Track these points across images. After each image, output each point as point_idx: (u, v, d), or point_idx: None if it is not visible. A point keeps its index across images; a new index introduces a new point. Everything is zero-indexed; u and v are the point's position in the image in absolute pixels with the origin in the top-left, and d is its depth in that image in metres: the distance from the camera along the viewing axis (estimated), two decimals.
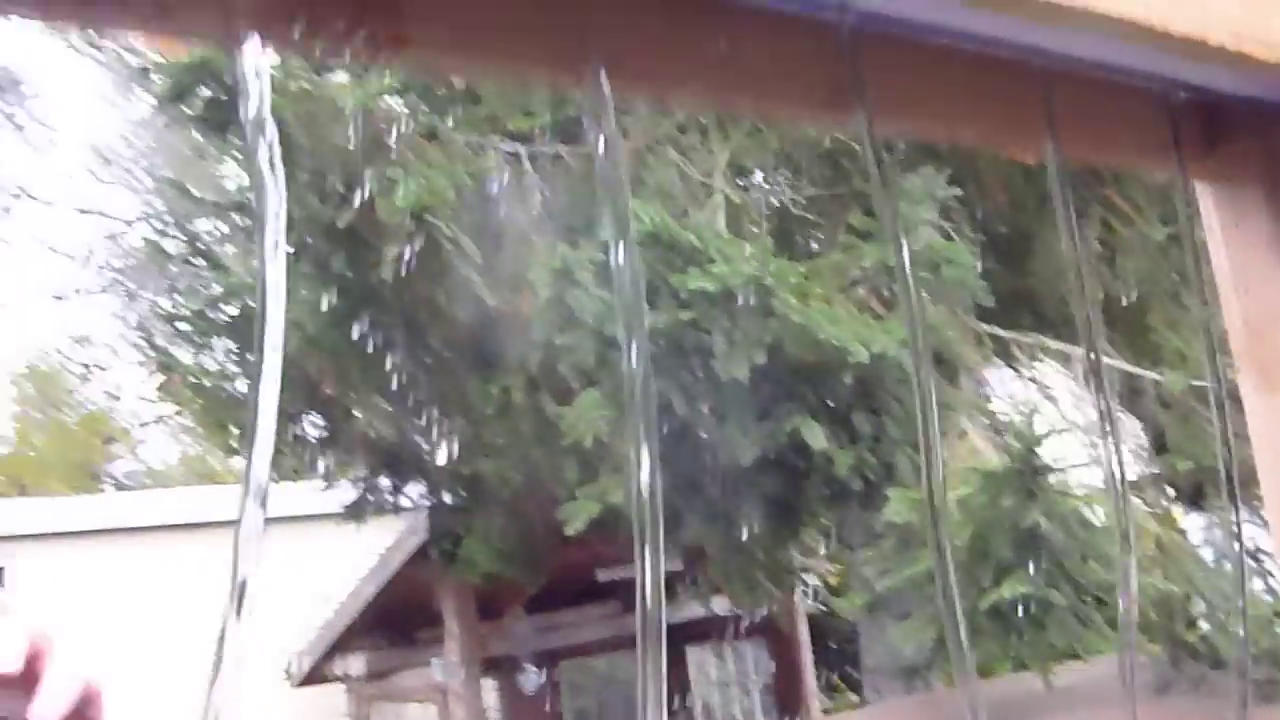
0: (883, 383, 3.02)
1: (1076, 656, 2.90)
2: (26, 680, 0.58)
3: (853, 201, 3.55)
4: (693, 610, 8.10)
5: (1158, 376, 3.10)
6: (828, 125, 2.60)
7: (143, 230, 8.91)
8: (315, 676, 7.97)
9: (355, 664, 7.57)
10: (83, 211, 13.68)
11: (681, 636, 8.44)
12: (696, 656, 8.74)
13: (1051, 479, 2.47)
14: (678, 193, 3.86)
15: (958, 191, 3.27)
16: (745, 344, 3.03)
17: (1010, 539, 2.49)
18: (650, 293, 3.27)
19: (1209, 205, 1.04)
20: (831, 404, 3.08)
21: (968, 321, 3.25)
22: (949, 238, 3.30)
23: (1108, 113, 0.84)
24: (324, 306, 4.22)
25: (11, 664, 0.56)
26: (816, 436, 2.95)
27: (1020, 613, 2.53)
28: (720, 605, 8.15)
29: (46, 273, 16.52)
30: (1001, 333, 3.35)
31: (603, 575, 7.38)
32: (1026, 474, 2.44)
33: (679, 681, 8.73)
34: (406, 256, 3.69)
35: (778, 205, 4.43)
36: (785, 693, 7.76)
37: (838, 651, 8.56)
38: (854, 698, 8.33)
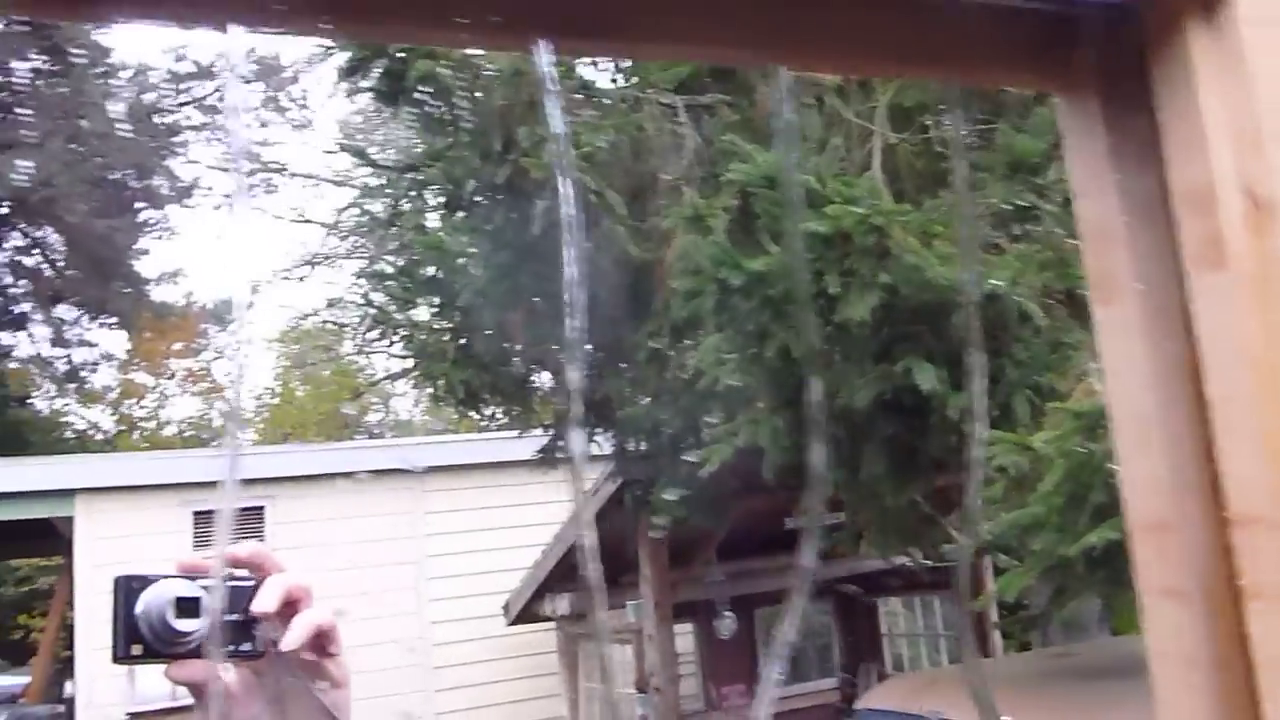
0: (1001, 322, 2.94)
1: None
2: (282, 617, 0.81)
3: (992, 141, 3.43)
4: (881, 561, 8.03)
5: None
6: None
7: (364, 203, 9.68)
8: (527, 616, 8.51)
9: (561, 605, 8.00)
10: (336, 184, 14.94)
11: (872, 587, 8.39)
12: (887, 608, 8.66)
13: None
14: (820, 135, 3.85)
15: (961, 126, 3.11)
16: (860, 285, 3.04)
17: (1105, 482, 2.40)
18: (765, 241, 3.32)
19: (1061, 118, 1.05)
20: (946, 346, 3.04)
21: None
22: None
23: (980, 34, 0.88)
24: (493, 260, 4.53)
25: (271, 605, 0.80)
26: (928, 377, 2.92)
27: (1119, 556, 2.44)
28: (909, 558, 8.03)
29: (304, 241, 18.11)
30: None
31: (790, 523, 7.43)
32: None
33: (871, 632, 8.69)
34: (553, 211, 3.90)
35: (934, 149, 4.32)
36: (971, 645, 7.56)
37: (1018, 603, 8.23)
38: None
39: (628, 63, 4.82)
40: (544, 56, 0.65)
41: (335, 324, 15.12)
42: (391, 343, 7.19)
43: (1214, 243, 0.87)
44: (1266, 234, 0.87)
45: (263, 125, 16.63)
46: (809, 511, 0.77)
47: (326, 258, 14.93)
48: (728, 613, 8.21)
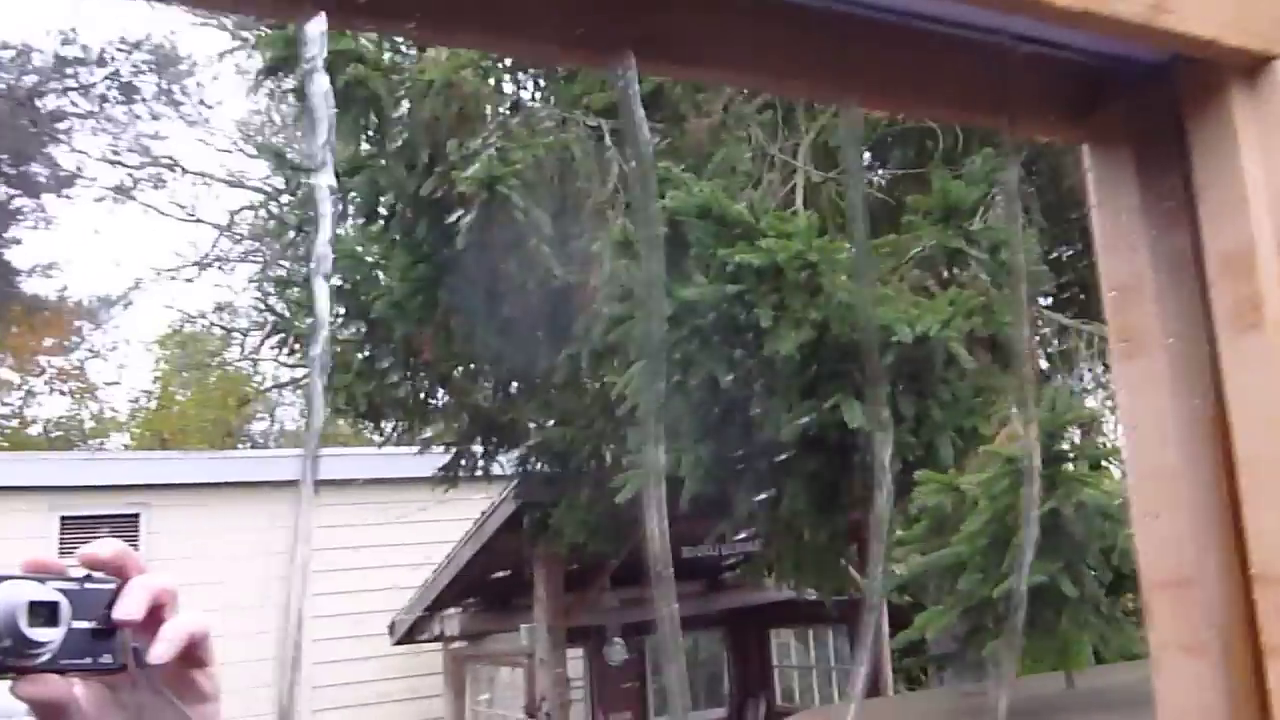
0: (928, 364, 3.00)
1: (1100, 660, 2.84)
2: (148, 626, 0.71)
3: (924, 183, 3.52)
4: (776, 593, 8.11)
5: None
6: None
7: (272, 205, 9.40)
8: (414, 636, 8.31)
9: (451, 625, 7.85)
10: (230, 184, 14.47)
11: (765, 619, 8.45)
12: (779, 639, 8.74)
13: (1076, 468, 2.43)
14: (747, 169, 3.89)
15: (1017, 174, 3.22)
16: (791, 320, 3.06)
17: (1031, 529, 2.46)
18: (700, 266, 3.33)
19: (1088, 167, 1.06)
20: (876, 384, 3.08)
21: (1028, 307, 3.19)
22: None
23: (1017, 81, 0.88)
24: (410, 273, 4.43)
25: (137, 612, 0.71)
26: (855, 415, 2.95)
27: (1037, 600, 2.50)
28: (804, 590, 8.13)
29: (193, 241, 17.52)
30: (1063, 319, 3.28)
31: (687, 553, 7.45)
32: (1048, 461, 2.41)
33: (761, 662, 8.75)
34: (480, 226, 3.84)
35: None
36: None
37: (919, 642, 8.41)
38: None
39: (557, 83, 4.81)
40: (630, 71, 0.61)
41: (224, 329, 14.62)
42: (291, 351, 6.98)
43: (1251, 305, 0.89)
44: None
45: (154, 118, 16.04)
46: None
47: (218, 260, 14.43)
48: (618, 640, 8.17)
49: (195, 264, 14.41)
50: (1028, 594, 2.47)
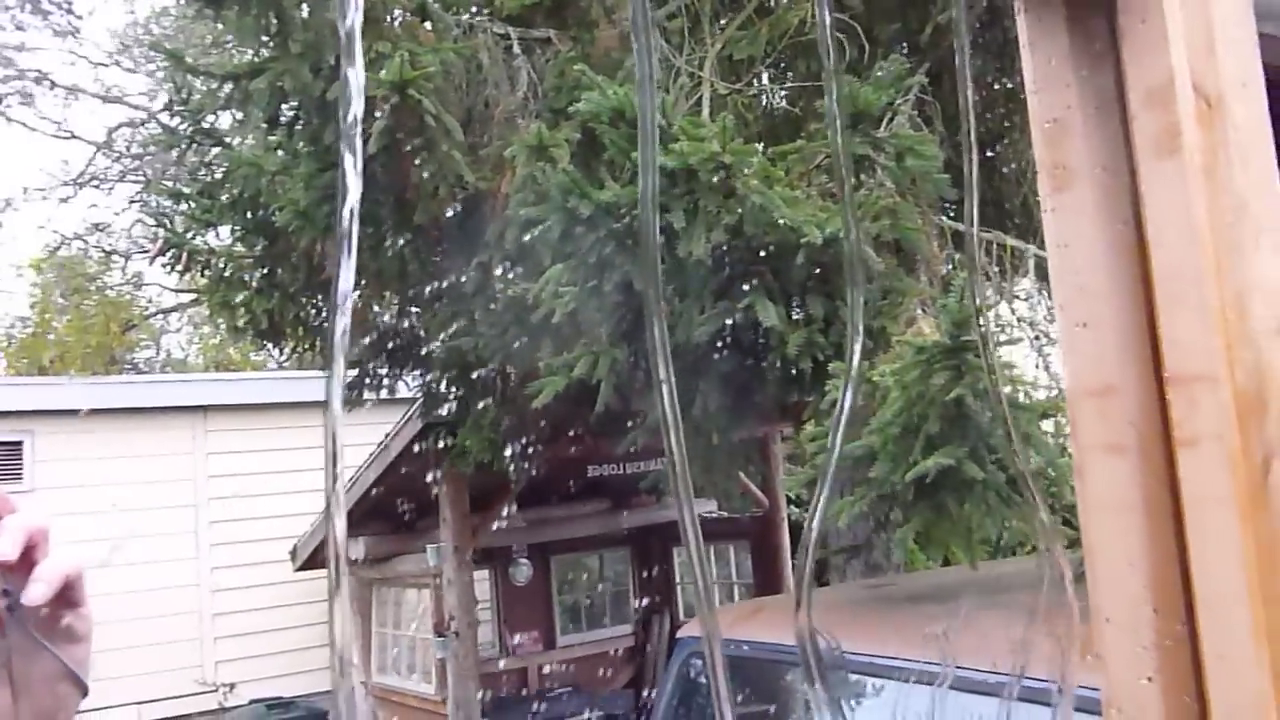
0: (837, 266, 3.09)
1: (1000, 549, 3.01)
2: (22, 567, 0.68)
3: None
4: (676, 512, 8.27)
5: None
6: None
7: (161, 117, 8.99)
8: (317, 560, 8.25)
9: (355, 549, 7.80)
10: (104, 99, 13.76)
11: (669, 537, 8.62)
12: (682, 557, 8.95)
13: (979, 358, 2.55)
14: (659, 79, 3.89)
15: (924, 79, 3.31)
16: (705, 223, 3.11)
17: (939, 414, 2.58)
18: (612, 169, 3.34)
19: (1022, 11, 1.11)
20: (785, 286, 3.16)
21: (928, 214, 3.30)
22: (918, 129, 3.34)
23: None
24: (316, 180, 4.32)
25: (11, 552, 0.68)
26: (769, 314, 3.03)
27: (944, 485, 2.63)
28: (707, 507, 8.33)
29: (66, 160, 16.65)
30: (960, 227, 3.40)
31: (593, 472, 7.54)
32: (956, 350, 2.52)
33: (665, 580, 8.95)
34: (389, 131, 3.77)
35: (763, 101, 4.46)
36: (763, 595, 7.96)
37: (819, 560, 8.74)
38: None
39: None
40: None
41: (103, 251, 13.99)
42: (184, 270, 6.76)
43: (1170, 134, 0.96)
44: (1215, 128, 0.96)
45: (19, 28, 15.09)
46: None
47: (94, 179, 13.74)
48: (524, 560, 8.26)
49: (70, 183, 13.72)
50: (934, 479, 2.60)
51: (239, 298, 5.91)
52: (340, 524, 0.49)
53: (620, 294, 3.31)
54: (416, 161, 4.09)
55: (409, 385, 6.47)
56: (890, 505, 2.67)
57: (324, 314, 6.15)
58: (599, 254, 3.31)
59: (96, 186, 13.97)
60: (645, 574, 9.08)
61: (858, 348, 0.83)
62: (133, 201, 13.47)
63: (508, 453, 6.60)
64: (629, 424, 4.58)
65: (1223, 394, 0.88)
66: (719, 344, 3.21)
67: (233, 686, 8.07)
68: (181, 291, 13.95)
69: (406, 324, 6.04)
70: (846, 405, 0.93)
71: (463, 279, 4.32)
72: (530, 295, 3.55)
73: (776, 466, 8.12)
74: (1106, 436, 0.95)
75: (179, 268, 6.53)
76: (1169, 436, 0.92)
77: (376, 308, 5.92)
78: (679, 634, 3.49)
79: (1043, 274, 3.13)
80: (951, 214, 3.50)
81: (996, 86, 3.57)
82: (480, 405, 6.23)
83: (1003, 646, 2.45)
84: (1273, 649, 0.84)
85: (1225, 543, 0.87)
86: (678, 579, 9.05)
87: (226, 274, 5.98)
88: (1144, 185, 0.96)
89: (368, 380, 6.39)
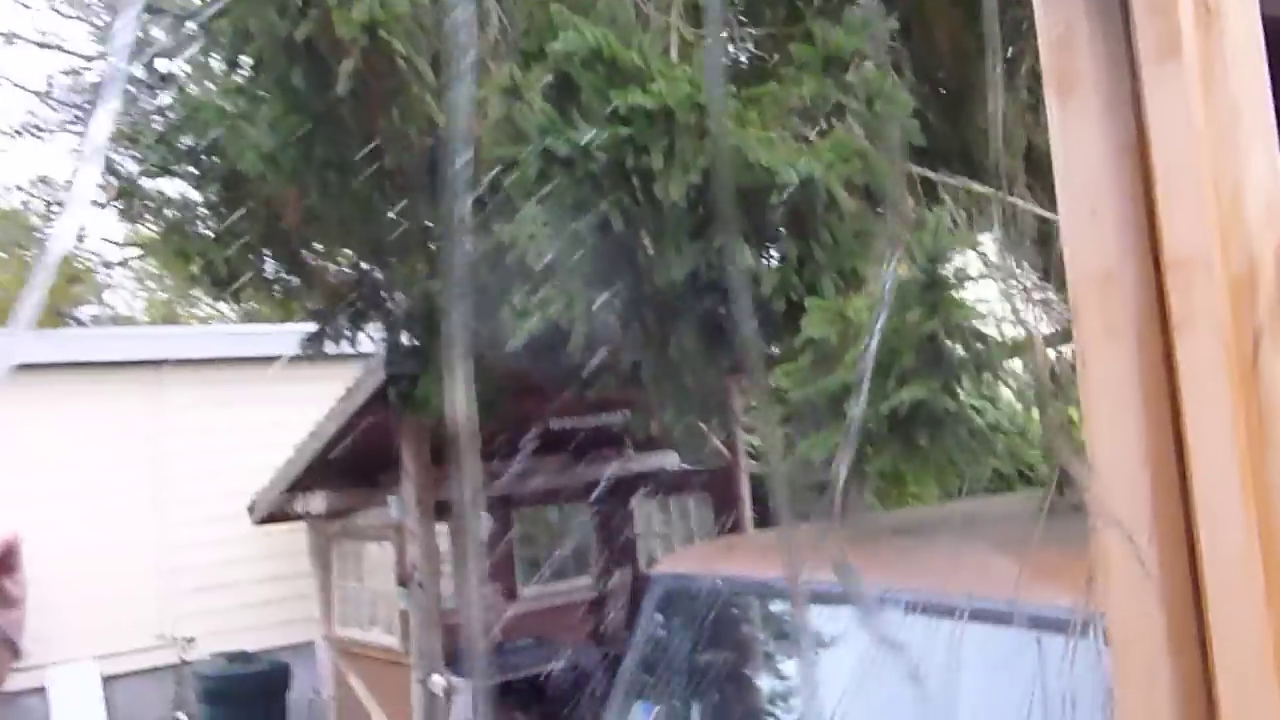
0: (811, 207, 3.15)
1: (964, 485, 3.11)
2: None
3: (798, 38, 3.62)
4: (640, 464, 8.37)
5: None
6: None
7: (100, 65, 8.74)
8: (277, 514, 8.22)
9: (315, 502, 7.79)
10: (42, 46, 13.38)
11: (629, 489, 8.70)
12: (643, 509, 9.06)
13: (953, 294, 2.63)
14: (626, 21, 3.90)
15: (895, 25, 3.37)
16: (681, 163, 3.15)
17: (914, 349, 2.66)
18: (588, 112, 3.36)
19: None
20: (760, 227, 3.22)
21: (897, 159, 3.37)
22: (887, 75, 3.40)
23: None
24: (283, 124, 4.28)
25: None
26: (744, 256, 3.09)
27: (917, 420, 2.72)
28: (668, 460, 8.42)
29: (5, 108, 16.17)
30: (929, 174, 3.48)
31: (555, 424, 7.58)
32: (930, 285, 2.60)
33: (626, 532, 9.05)
34: (360, 73, 3.75)
35: (730, 49, 4.49)
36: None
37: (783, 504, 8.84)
38: None
39: None
40: None
41: (45, 201, 13.64)
42: (138, 217, 6.66)
43: (1170, 40, 1.03)
44: (1212, 35, 1.03)
45: None
46: None
47: (34, 128, 13.36)
48: (483, 513, 8.30)
49: (7, 133, 13.35)
50: (908, 413, 2.69)
51: (195, 246, 5.84)
52: None
53: (598, 235, 3.34)
54: (387, 105, 4.08)
55: (372, 338, 6.46)
56: (866, 439, 2.75)
57: (283, 266, 6.10)
58: (574, 195, 3.33)
59: (36, 136, 13.60)
60: (606, 527, 9.18)
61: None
62: (75, 151, 13.14)
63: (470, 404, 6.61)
64: (597, 373, 4.63)
65: (1216, 278, 0.96)
66: (696, 284, 3.26)
67: (192, 640, 8.05)
68: (129, 245, 13.70)
69: (372, 272, 6.01)
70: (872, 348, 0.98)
71: (433, 224, 4.32)
72: (507, 238, 3.57)
73: (736, 419, 8.23)
74: (1107, 321, 1.02)
75: (131, 215, 6.42)
76: (1166, 319, 0.99)
77: (339, 259, 5.89)
78: (654, 571, 3.57)
79: (1005, 222, 3.21)
80: (919, 161, 3.57)
81: (967, 38, 3.64)
82: (444, 355, 6.23)
83: (990, 573, 2.56)
84: (1260, 509, 0.92)
85: (1218, 414, 0.94)
86: (638, 530, 9.16)
87: (182, 223, 5.91)
88: (1145, 89, 1.02)
89: (329, 332, 6.36)
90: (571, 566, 9.14)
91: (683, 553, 3.63)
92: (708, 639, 3.33)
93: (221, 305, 14.22)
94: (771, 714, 3.23)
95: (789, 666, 3.15)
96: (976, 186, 3.50)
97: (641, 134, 3.19)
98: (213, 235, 5.43)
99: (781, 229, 3.22)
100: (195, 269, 5.90)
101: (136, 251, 13.83)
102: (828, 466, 4.30)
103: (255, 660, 7.65)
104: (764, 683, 3.25)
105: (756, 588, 3.23)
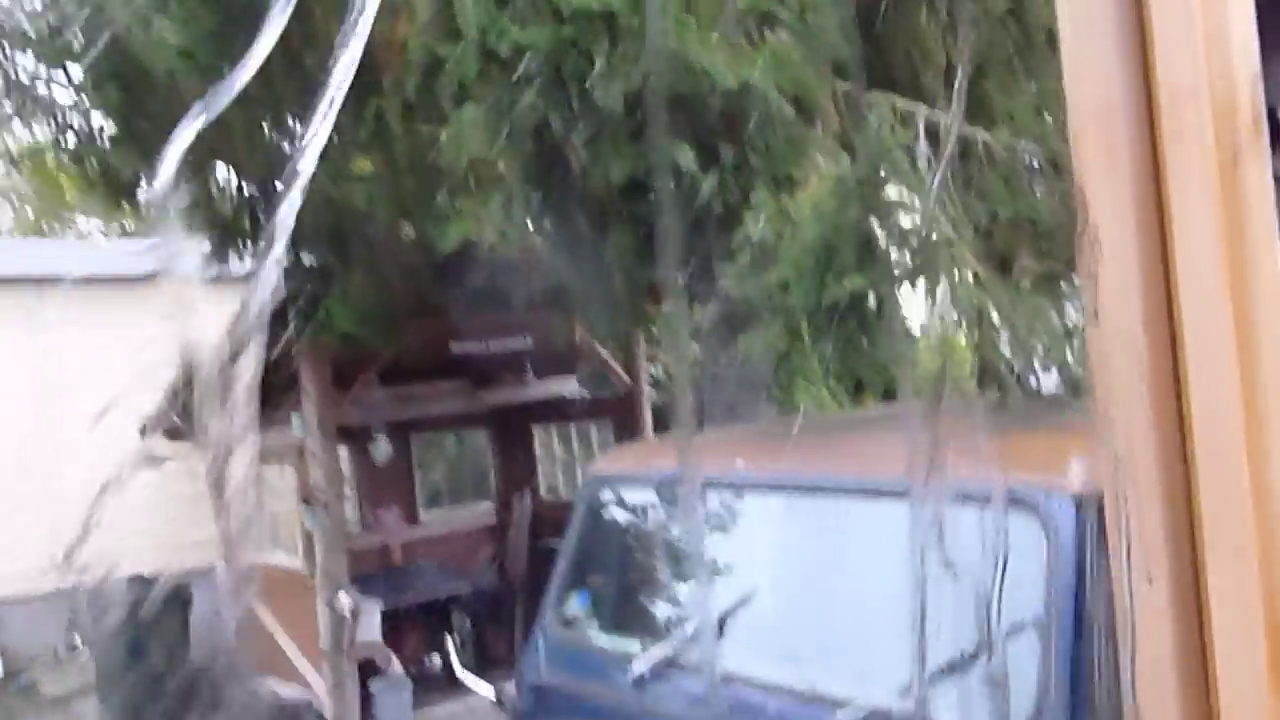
0: (747, 114, 3.25)
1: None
2: None
3: None
4: (540, 390, 8.44)
5: (988, 137, 3.42)
6: None
7: None
8: (171, 434, 8.00)
9: (228, 420, 7.60)
10: None
11: (528, 416, 8.76)
12: (542, 437, 9.14)
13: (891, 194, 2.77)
14: None
15: None
16: (623, 65, 3.20)
17: (852, 245, 2.80)
18: (531, 12, 3.38)
19: None
20: (698, 132, 3.30)
21: (826, 72, 3.49)
22: None
23: None
24: (196, 18, 4.15)
25: None
26: (686, 157, 3.17)
27: (852, 314, 2.87)
28: (568, 387, 8.51)
29: None
30: (856, 87, 3.61)
31: (456, 349, 7.57)
32: (868, 185, 2.73)
33: (525, 458, 9.13)
34: None
35: None
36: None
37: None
38: None
39: None
40: None
41: None
42: (29, 119, 6.33)
43: None
44: None
45: None
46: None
47: None
48: (382, 437, 8.27)
49: None
50: (846, 306, 2.83)
51: (92, 150, 5.62)
52: None
53: (535, 138, 3.38)
54: (309, 4, 3.99)
55: (279, 248, 6.31)
56: (807, 330, 2.89)
57: (185, 175, 5.90)
58: (513, 96, 3.35)
59: None
60: (505, 452, 9.24)
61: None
62: None
63: (374, 324, 6.57)
64: (516, 285, 4.67)
65: (1204, 103, 1.09)
66: (634, 186, 3.33)
67: (87, 565, 7.79)
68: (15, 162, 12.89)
69: (275, 185, 5.87)
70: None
71: (358, 126, 4.26)
72: (441, 140, 3.57)
73: (639, 347, 8.36)
74: (1107, 143, 1.14)
75: (25, 116, 6.11)
76: (1156, 142, 1.12)
77: (249, 164, 5.72)
78: (589, 472, 3.68)
79: (932, 137, 3.36)
80: (845, 76, 3.70)
81: None
82: (351, 273, 6.17)
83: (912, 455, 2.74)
84: (1237, 307, 1.06)
85: (1203, 221, 1.08)
86: (538, 456, 9.25)
87: (78, 125, 5.67)
88: None
89: (232, 248, 6.21)
90: (471, 493, 9.19)
91: (617, 452, 3.74)
92: (640, 530, 3.47)
93: (95, 224, 13.60)
94: (694, 597, 3.37)
95: (713, 553, 3.31)
96: (900, 102, 3.65)
97: (583, 36, 3.23)
98: (112, 139, 5.22)
99: (719, 135, 3.31)
100: (91, 174, 5.67)
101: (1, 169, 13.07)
102: (757, 365, 4.44)
103: (154, 584, 7.52)
104: (689, 569, 3.40)
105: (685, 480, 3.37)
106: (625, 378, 8.35)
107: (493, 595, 8.44)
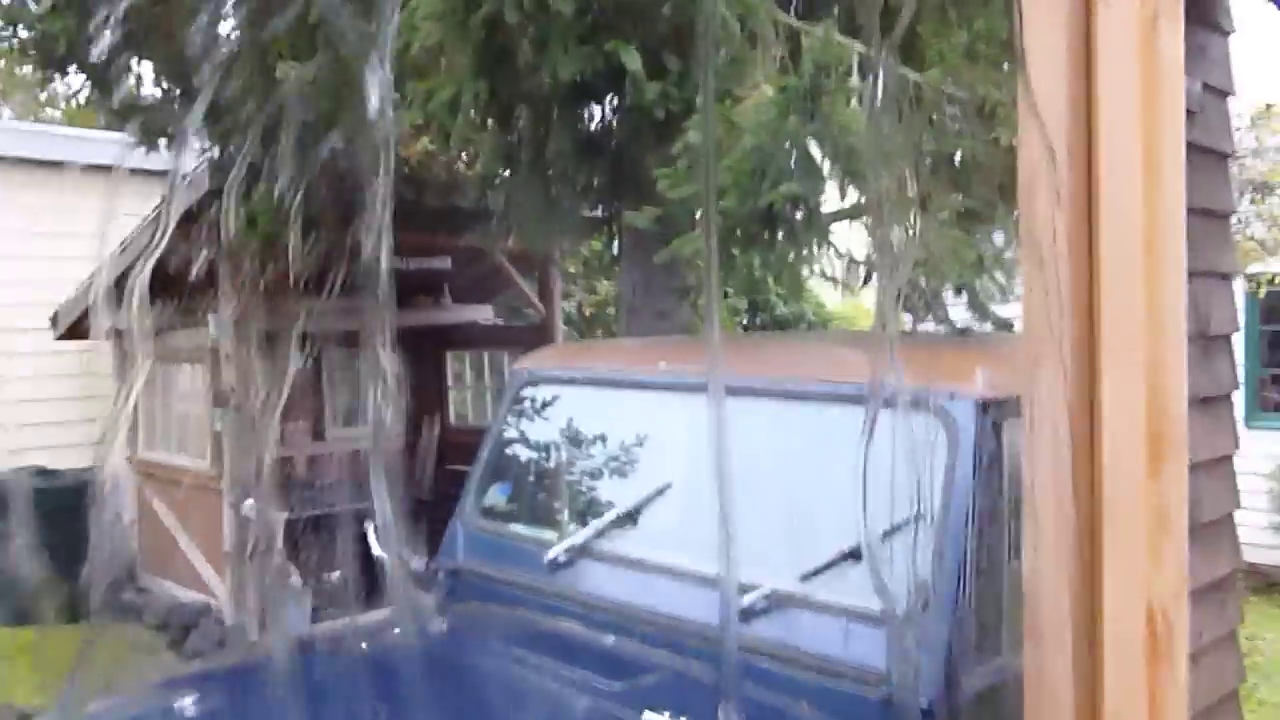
0: (691, 27, 3.34)
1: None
2: None
3: None
4: (455, 315, 8.45)
5: (919, 77, 3.58)
6: None
7: None
8: (80, 329, 7.82)
9: (123, 320, 7.44)
10: None
11: (442, 341, 8.76)
12: (454, 361, 9.17)
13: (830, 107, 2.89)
14: None
15: None
16: None
17: (789, 154, 2.93)
18: None
19: None
20: (647, 40, 3.38)
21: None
22: None
23: None
24: None
25: None
26: (633, 59, 3.25)
27: (783, 220, 3.00)
28: (481, 314, 8.54)
29: None
30: (794, 22, 3.72)
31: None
32: (812, 93, 2.85)
33: (437, 383, 9.14)
34: None
35: None
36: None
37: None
38: None
39: None
40: None
41: None
42: None
43: None
44: None
45: None
46: None
47: None
48: (294, 348, 8.18)
49: None
50: (778, 209, 2.96)
51: (23, 14, 5.44)
52: None
53: (485, 28, 3.41)
54: None
55: (205, 141, 6.19)
56: (732, 235, 3.02)
57: (121, 46, 5.74)
58: None
59: None
60: (417, 376, 9.23)
61: None
62: None
63: (298, 229, 6.48)
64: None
65: None
66: (580, 87, 3.40)
67: None
68: None
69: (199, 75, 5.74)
70: None
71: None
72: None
73: (555, 281, 8.44)
74: (1047, 5, 1.27)
75: None
76: (1090, 5, 1.26)
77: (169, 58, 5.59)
78: (515, 366, 3.76)
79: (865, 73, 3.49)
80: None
81: None
82: (275, 169, 6.08)
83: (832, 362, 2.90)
84: (1145, 133, 1.21)
85: (1123, 74, 1.22)
86: (449, 383, 9.27)
87: None
88: None
89: (158, 135, 6.08)
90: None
91: (542, 351, 3.83)
92: (561, 425, 3.57)
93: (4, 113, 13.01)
94: (609, 490, 3.49)
95: (630, 449, 3.43)
96: (840, 38, 3.78)
97: None
98: (47, 7, 5.06)
99: (667, 45, 3.39)
100: (27, 38, 5.46)
101: None
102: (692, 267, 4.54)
103: (58, 476, 7.35)
104: (612, 465, 3.52)
105: (608, 379, 3.48)
106: (540, 308, 8.42)
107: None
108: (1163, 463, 1.19)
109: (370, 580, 3.66)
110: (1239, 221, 7.73)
